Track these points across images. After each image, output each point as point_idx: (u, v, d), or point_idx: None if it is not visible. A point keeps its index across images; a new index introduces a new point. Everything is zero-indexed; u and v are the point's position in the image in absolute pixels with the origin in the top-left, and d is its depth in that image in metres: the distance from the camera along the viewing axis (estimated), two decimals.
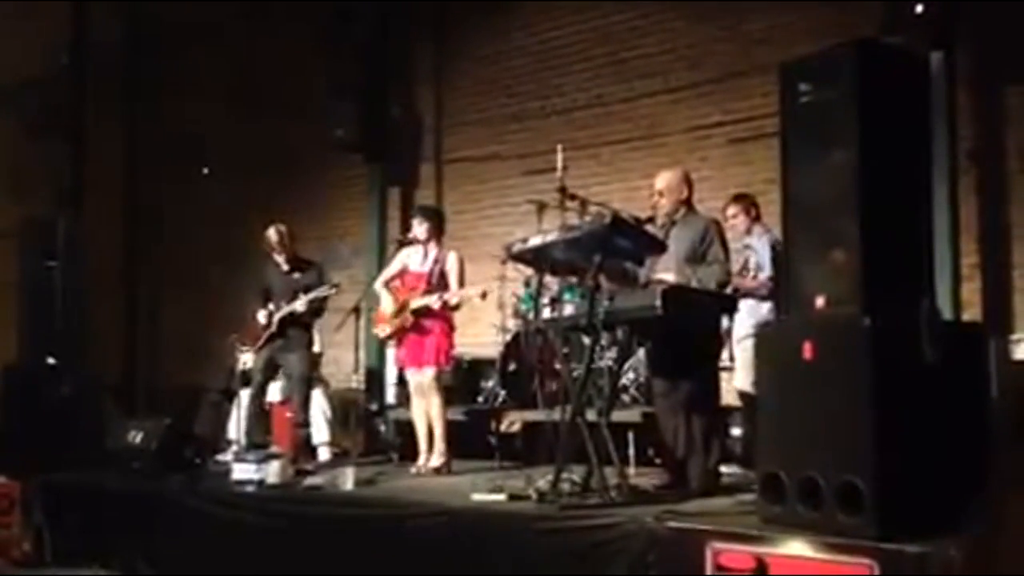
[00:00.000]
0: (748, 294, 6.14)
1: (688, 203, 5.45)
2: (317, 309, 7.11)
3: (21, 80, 12.43)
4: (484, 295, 6.49)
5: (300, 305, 6.95)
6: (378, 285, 6.85)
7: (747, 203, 6.40)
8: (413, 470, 6.52)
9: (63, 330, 7.93)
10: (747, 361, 5.99)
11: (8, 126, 12.97)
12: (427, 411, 6.54)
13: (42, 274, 7.93)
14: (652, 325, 5.02)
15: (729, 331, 6.48)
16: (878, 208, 3.92)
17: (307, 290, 6.99)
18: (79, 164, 11.77)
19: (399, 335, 6.59)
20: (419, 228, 6.61)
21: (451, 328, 6.59)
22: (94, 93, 11.90)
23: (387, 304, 6.66)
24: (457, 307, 6.59)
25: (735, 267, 6.10)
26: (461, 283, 6.55)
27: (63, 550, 6.82)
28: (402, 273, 6.72)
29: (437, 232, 6.64)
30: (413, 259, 6.70)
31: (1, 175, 12.91)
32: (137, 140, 12.43)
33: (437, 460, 6.49)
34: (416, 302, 6.48)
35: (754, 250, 6.17)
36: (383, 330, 6.70)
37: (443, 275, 6.54)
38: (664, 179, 5.46)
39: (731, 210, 6.39)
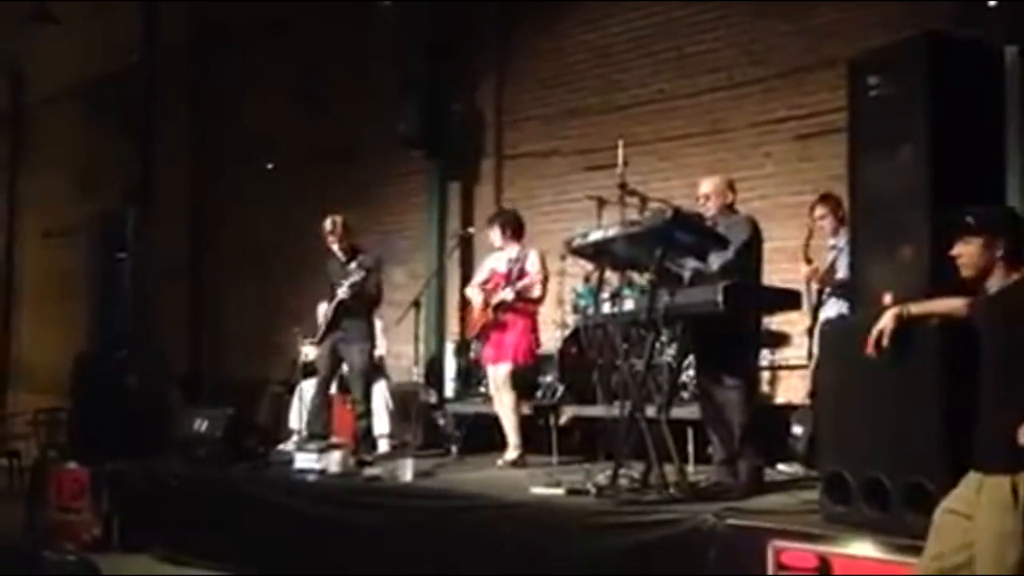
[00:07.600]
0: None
1: (732, 207, 5.46)
2: (369, 296, 7.12)
3: (91, 78, 12.77)
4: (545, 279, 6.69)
5: (342, 292, 6.98)
6: (469, 290, 7.07)
7: (834, 203, 6.19)
8: (500, 463, 6.58)
9: (131, 321, 8.12)
10: None
11: (79, 123, 13.33)
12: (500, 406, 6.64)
13: (112, 266, 8.11)
14: (706, 323, 4.99)
15: (810, 330, 6.37)
16: (948, 204, 3.84)
17: None
18: (147, 160, 12.02)
19: (485, 333, 6.77)
20: (493, 234, 6.81)
21: (534, 326, 6.73)
22: (162, 90, 12.15)
23: (477, 304, 6.85)
24: (540, 300, 6.76)
25: (823, 267, 6.07)
26: (544, 279, 6.68)
27: (131, 536, 7.00)
28: (491, 277, 6.87)
29: (513, 234, 6.78)
30: (499, 262, 6.87)
31: (72, 172, 13.28)
32: (204, 136, 12.65)
33: (512, 454, 6.57)
34: (495, 299, 6.65)
35: (842, 251, 6.04)
36: (472, 330, 6.92)
37: (523, 273, 6.64)
38: (710, 184, 5.49)
39: (819, 211, 6.23)
